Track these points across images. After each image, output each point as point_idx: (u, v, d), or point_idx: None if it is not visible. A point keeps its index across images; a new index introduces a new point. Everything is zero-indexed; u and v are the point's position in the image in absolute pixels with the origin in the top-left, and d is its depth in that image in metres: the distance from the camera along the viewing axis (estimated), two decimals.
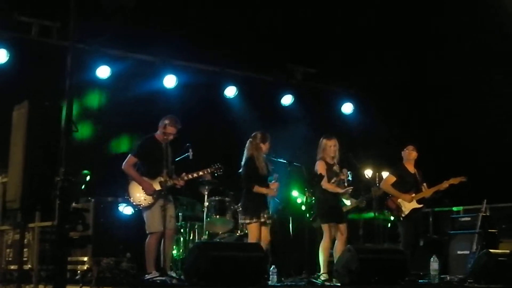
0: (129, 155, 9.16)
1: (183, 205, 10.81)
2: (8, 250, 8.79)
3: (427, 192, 10.57)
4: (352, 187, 10.08)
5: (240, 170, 9.69)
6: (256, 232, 9.46)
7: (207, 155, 10.05)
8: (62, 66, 7.36)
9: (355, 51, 12.95)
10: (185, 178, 9.25)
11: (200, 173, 9.51)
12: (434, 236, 12.51)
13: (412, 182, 10.56)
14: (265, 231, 9.55)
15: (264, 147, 9.65)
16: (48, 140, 7.18)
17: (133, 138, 11.94)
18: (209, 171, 9.59)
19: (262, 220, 9.48)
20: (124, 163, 9.12)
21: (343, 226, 9.96)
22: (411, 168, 10.67)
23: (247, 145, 9.73)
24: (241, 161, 9.68)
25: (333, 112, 13.99)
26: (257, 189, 9.55)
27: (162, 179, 9.06)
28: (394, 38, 12.94)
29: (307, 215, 10.81)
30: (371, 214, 12.30)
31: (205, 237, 10.53)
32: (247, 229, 9.71)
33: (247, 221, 9.51)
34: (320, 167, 9.99)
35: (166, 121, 9.18)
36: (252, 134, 9.75)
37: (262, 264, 8.59)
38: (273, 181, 9.74)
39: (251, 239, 9.49)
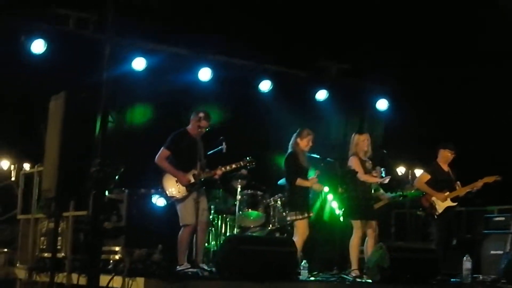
0: (162, 148, 9.22)
1: (216, 198, 10.84)
2: (42, 238, 8.87)
3: (461, 191, 10.48)
4: (390, 176, 10.00)
5: (283, 165, 9.81)
6: (305, 229, 9.58)
7: (240, 149, 10.07)
8: (98, 57, 7.43)
9: (391, 46, 12.87)
10: (221, 170, 9.29)
11: (234, 166, 9.54)
12: (467, 235, 12.40)
13: (446, 181, 10.49)
14: (307, 226, 9.62)
15: (305, 143, 9.74)
16: (84, 131, 7.25)
17: (167, 130, 11.98)
18: (242, 164, 9.62)
19: (308, 215, 9.62)
20: (157, 156, 9.19)
21: (374, 223, 9.92)
22: (445, 167, 10.59)
23: (291, 140, 9.83)
24: (276, 155, 9.75)
25: (367, 108, 13.92)
26: (300, 182, 9.63)
27: (195, 172, 9.11)
28: (430, 33, 12.84)
29: (339, 211, 10.82)
30: (403, 211, 12.30)
31: (237, 230, 10.55)
32: (293, 225, 9.73)
33: (297, 217, 9.59)
34: (354, 163, 9.98)
35: (200, 115, 9.23)
36: (297, 130, 9.86)
37: (293, 259, 8.60)
38: (311, 177, 9.80)
39: (300, 235, 9.53)
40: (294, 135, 9.86)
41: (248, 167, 9.78)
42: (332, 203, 11.81)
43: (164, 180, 9.18)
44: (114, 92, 7.27)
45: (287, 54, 12.63)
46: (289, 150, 9.85)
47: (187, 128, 9.37)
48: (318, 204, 11.52)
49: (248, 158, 9.67)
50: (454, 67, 13.29)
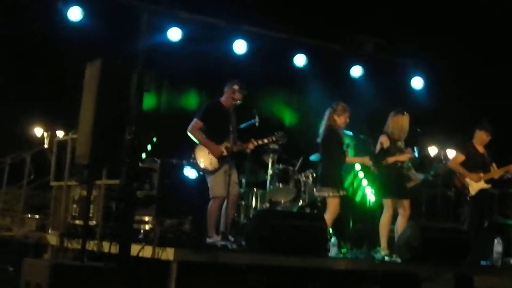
0: (195, 119, 9.18)
1: (247, 171, 10.83)
2: (74, 206, 8.92)
3: (496, 173, 10.37)
4: (411, 151, 9.85)
5: (319, 139, 9.69)
6: (337, 207, 9.49)
7: (272, 123, 10.03)
8: (135, 26, 7.40)
9: (428, 25, 12.72)
10: (253, 144, 9.26)
11: (265, 140, 9.51)
12: (499, 218, 12.28)
13: (480, 162, 10.36)
14: (339, 204, 9.56)
15: (342, 119, 9.66)
16: (119, 99, 7.24)
17: (200, 101, 11.99)
18: (273, 139, 9.59)
19: (342, 193, 9.53)
20: (189, 126, 9.16)
21: (406, 202, 9.80)
22: (480, 148, 10.47)
23: (326, 115, 9.70)
24: (308, 130, 9.68)
25: (402, 86, 13.78)
26: (349, 159, 9.73)
27: (228, 144, 9.08)
28: (468, 13, 12.65)
29: (370, 188, 10.77)
30: (434, 191, 12.21)
31: (267, 204, 10.54)
32: (324, 202, 9.69)
33: (330, 193, 9.49)
34: (383, 141, 9.83)
35: (235, 87, 9.18)
36: (333, 105, 9.70)
37: (323, 234, 8.57)
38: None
39: (331, 213, 9.44)
40: (329, 110, 9.69)
41: (280, 142, 9.74)
42: (364, 181, 11.75)
43: (196, 151, 9.15)
44: (150, 61, 7.25)
45: (323, 28, 12.52)
46: (327, 125, 9.69)
47: (221, 100, 9.32)
48: (349, 181, 11.47)
49: (279, 133, 9.63)
50: (492, 47, 13.10)
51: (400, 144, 9.87)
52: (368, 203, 11.39)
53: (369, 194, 11.68)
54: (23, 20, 11.30)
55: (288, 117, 12.35)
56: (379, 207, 10.10)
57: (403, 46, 13.26)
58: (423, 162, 10.57)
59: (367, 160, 9.89)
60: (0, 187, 11.96)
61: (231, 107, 9.25)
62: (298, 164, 10.88)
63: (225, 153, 9.02)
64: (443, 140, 12.83)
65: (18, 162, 11.80)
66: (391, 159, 9.71)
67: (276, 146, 10.45)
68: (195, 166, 9.22)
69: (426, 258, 8.82)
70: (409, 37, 12.86)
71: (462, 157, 10.45)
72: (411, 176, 10.02)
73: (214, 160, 9.03)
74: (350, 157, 9.89)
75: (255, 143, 9.36)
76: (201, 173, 9.25)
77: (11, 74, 13.59)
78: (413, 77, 13.77)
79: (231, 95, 9.21)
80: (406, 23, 12.71)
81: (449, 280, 9.16)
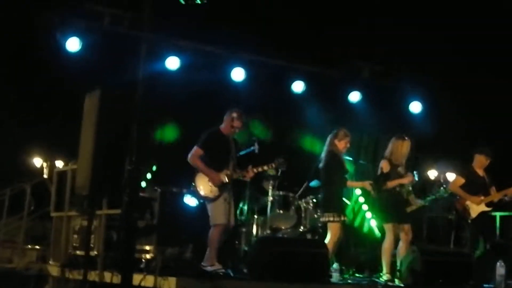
0: (195, 147, 9.19)
1: (247, 198, 10.81)
2: (75, 236, 8.91)
3: (496, 196, 10.39)
4: (411, 175, 9.87)
5: (320, 165, 9.76)
6: (338, 232, 9.54)
7: (271, 150, 10.03)
8: (133, 55, 7.42)
9: (424, 49, 12.78)
10: (252, 171, 9.27)
11: (265, 167, 9.52)
12: (501, 240, 12.26)
13: (480, 185, 10.39)
14: (340, 229, 9.60)
15: (343, 144, 9.75)
16: (119, 128, 7.25)
17: (199, 129, 11.98)
18: (273, 166, 9.59)
19: (343, 219, 9.59)
20: (190, 155, 9.16)
21: (407, 227, 9.80)
22: (480, 172, 10.49)
23: (327, 141, 9.80)
24: (308, 156, 9.70)
25: (401, 110, 13.80)
26: (350, 183, 9.80)
27: (228, 172, 9.08)
28: (463, 36, 12.72)
29: (370, 213, 10.75)
30: (435, 215, 12.20)
31: (268, 231, 10.51)
32: (326, 227, 9.70)
33: (331, 218, 9.54)
34: (384, 166, 9.87)
35: (234, 114, 9.19)
36: (334, 131, 9.83)
37: (325, 260, 8.55)
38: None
39: (332, 237, 9.49)
40: (330, 136, 9.80)
41: (280, 169, 9.75)
42: (364, 206, 11.73)
43: (196, 179, 9.14)
44: (148, 90, 7.26)
45: (320, 55, 12.57)
46: (328, 151, 9.77)
47: (220, 127, 9.34)
48: (350, 206, 11.45)
49: (279, 159, 9.63)
50: (489, 70, 13.16)
51: (400, 169, 9.88)
52: (369, 228, 11.35)
53: (370, 219, 11.65)
54: (22, 51, 11.36)
55: (287, 143, 12.33)
56: (380, 232, 10.07)
57: (400, 71, 13.31)
58: (424, 186, 10.55)
59: (367, 185, 9.92)
60: (0, 218, 11.96)
61: (230, 135, 9.26)
62: (301, 190, 10.87)
63: (225, 180, 9.01)
64: (442, 163, 12.83)
65: (18, 193, 11.81)
66: (391, 183, 9.72)
67: (275, 172, 10.46)
68: (195, 194, 9.20)
69: (429, 282, 8.80)
70: (406, 62, 12.92)
71: (462, 180, 10.46)
72: (410, 201, 10.02)
73: (215, 188, 9.02)
74: (350, 181, 9.91)
75: (255, 170, 9.36)
76: (201, 200, 9.23)
77: (10, 105, 13.64)
78: (411, 101, 13.78)
79: (230, 122, 9.22)
80: (403, 48, 12.77)
81: None
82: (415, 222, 10.46)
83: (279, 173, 10.48)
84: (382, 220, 9.99)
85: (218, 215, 8.96)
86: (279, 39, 12.00)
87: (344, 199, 9.94)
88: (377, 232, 10.79)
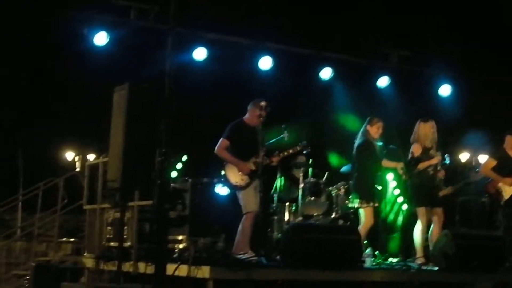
0: (221, 139, 9.25)
1: (278, 187, 10.84)
2: (108, 228, 9.00)
3: None
4: (439, 155, 9.86)
5: (354, 151, 9.89)
6: (371, 218, 9.67)
7: (300, 138, 10.04)
8: (160, 48, 7.47)
9: (453, 31, 12.69)
10: (279, 156, 9.29)
11: (290, 151, 9.53)
12: None
13: None
14: (372, 215, 9.70)
15: (375, 130, 9.87)
16: (148, 121, 7.31)
17: (227, 120, 12.02)
18: (298, 149, 9.61)
19: (376, 205, 9.72)
20: (216, 147, 9.22)
21: (439, 210, 9.80)
22: (511, 153, 10.40)
23: (362, 128, 9.96)
24: (337, 143, 9.73)
25: (430, 94, 13.72)
26: (385, 163, 9.91)
27: (255, 159, 9.12)
28: (493, 17, 12.60)
29: (402, 198, 10.73)
30: (468, 198, 12.13)
31: (299, 218, 10.54)
32: (357, 213, 9.77)
33: (364, 204, 9.67)
34: (415, 150, 9.88)
35: (257, 104, 9.23)
36: (368, 118, 9.99)
37: (357, 246, 8.55)
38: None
39: (366, 224, 9.61)
40: (365, 123, 9.95)
41: (304, 152, 9.77)
42: (395, 191, 11.70)
43: (226, 170, 9.20)
44: (176, 82, 7.30)
45: (348, 41, 12.54)
46: (362, 139, 9.88)
47: (244, 118, 9.39)
48: (382, 191, 11.44)
49: (303, 142, 9.65)
50: None
51: (432, 152, 9.86)
52: (401, 213, 11.33)
53: (402, 204, 11.62)
54: (51, 47, 11.47)
55: (317, 130, 12.33)
56: (411, 217, 10.06)
57: (428, 55, 13.22)
58: (455, 170, 10.49)
59: (400, 165, 9.94)
60: (34, 213, 12.13)
61: (256, 124, 9.27)
62: (325, 177, 10.90)
63: (253, 168, 9.05)
64: (474, 146, 12.76)
65: (51, 188, 11.97)
66: (422, 165, 9.71)
67: (303, 159, 10.51)
68: (226, 183, 9.25)
69: (462, 266, 8.76)
70: (434, 45, 12.83)
71: (493, 162, 10.37)
72: (442, 185, 9.99)
73: (245, 176, 9.07)
74: (385, 160, 9.96)
75: (280, 155, 9.39)
76: (232, 190, 9.27)
77: (41, 101, 13.80)
78: (440, 84, 13.69)
79: (254, 112, 9.26)
80: (430, 31, 12.69)
81: None
82: (447, 206, 10.42)
83: (306, 159, 10.55)
84: (414, 204, 9.97)
85: (250, 202, 9.01)
86: (306, 27, 11.98)
87: (376, 185, 9.94)
88: (409, 217, 10.74)
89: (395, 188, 11.73)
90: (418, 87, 13.56)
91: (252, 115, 9.30)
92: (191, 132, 12.02)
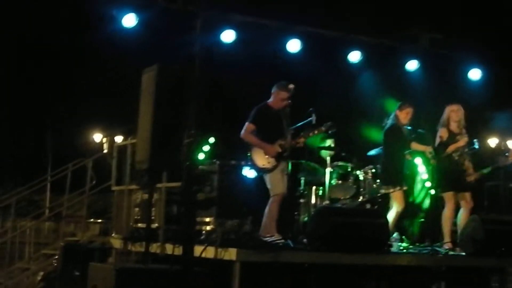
0: (247, 123, 9.24)
1: (306, 170, 10.82)
2: (136, 209, 9.05)
3: None
4: (466, 137, 9.81)
5: (383, 136, 9.95)
6: (401, 201, 9.70)
7: (329, 121, 10.00)
8: (189, 30, 7.46)
9: (483, 15, 12.55)
10: (304, 138, 9.26)
11: (316, 132, 9.48)
12: None
13: None
14: (403, 198, 9.73)
15: (404, 115, 9.87)
16: (176, 103, 7.32)
17: (255, 103, 12.01)
18: (322, 129, 9.56)
19: (405, 188, 9.74)
20: (242, 131, 9.21)
21: (468, 195, 9.76)
22: None
23: (392, 113, 9.97)
24: (365, 126, 9.71)
25: (460, 78, 13.61)
26: (414, 145, 9.93)
27: (281, 142, 9.12)
28: None
29: (431, 182, 10.66)
30: (496, 184, 12.03)
31: (327, 202, 10.52)
32: (384, 197, 9.80)
33: (392, 189, 9.72)
34: (442, 134, 9.87)
35: (280, 87, 9.22)
36: (399, 103, 10.00)
37: (385, 230, 8.53)
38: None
39: (398, 206, 9.66)
40: (396, 108, 9.97)
41: (330, 132, 9.73)
42: (424, 175, 11.64)
43: (252, 154, 9.20)
44: (205, 64, 7.30)
45: (378, 24, 12.45)
46: (390, 123, 9.89)
47: (268, 102, 9.38)
48: (411, 176, 11.39)
49: (328, 123, 9.61)
50: None
51: (459, 137, 9.80)
52: (428, 197, 11.27)
53: (429, 188, 11.56)
54: (80, 28, 11.50)
55: (345, 113, 12.27)
56: (439, 201, 10.02)
57: (459, 38, 13.10)
58: (484, 155, 10.41)
59: (429, 149, 9.92)
60: (63, 194, 12.23)
61: (281, 107, 9.26)
62: (352, 161, 10.86)
63: (279, 150, 9.05)
64: (503, 131, 12.65)
65: (80, 169, 12.05)
66: (450, 149, 9.69)
67: (332, 142, 10.49)
68: (254, 166, 9.25)
69: (490, 251, 8.71)
70: (464, 29, 12.70)
71: None
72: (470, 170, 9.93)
73: (271, 159, 9.07)
74: (414, 143, 9.93)
75: (306, 136, 9.36)
76: (261, 173, 9.27)
77: (70, 83, 13.88)
78: (470, 68, 13.58)
79: (278, 95, 9.25)
80: (460, 15, 12.56)
81: None
82: (476, 191, 10.36)
83: (334, 143, 10.53)
84: (442, 189, 9.92)
85: (277, 185, 9.00)
86: (335, 10, 11.90)
87: (403, 169, 9.92)
88: (436, 201, 10.68)
89: (423, 173, 11.67)
90: (447, 70, 13.45)
91: (276, 99, 9.28)
92: (219, 114, 12.01)
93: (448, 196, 9.71)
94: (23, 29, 11.62)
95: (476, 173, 10.07)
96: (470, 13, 12.56)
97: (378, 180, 10.21)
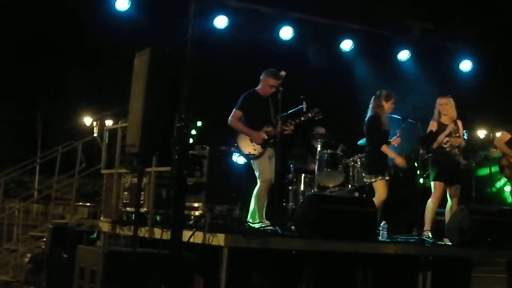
0: (234, 109, 9.28)
1: (295, 157, 10.84)
2: (125, 193, 9.03)
3: None
4: (452, 124, 9.83)
5: (364, 127, 9.88)
6: (383, 190, 9.69)
7: (319, 108, 10.02)
8: (181, 15, 7.44)
9: (475, 7, 12.57)
10: (291, 124, 9.28)
11: (302, 118, 9.52)
12: None
13: None
14: (386, 188, 9.71)
15: (388, 105, 9.79)
16: (168, 87, 7.31)
17: (246, 87, 12.01)
18: (309, 116, 9.60)
19: (387, 178, 9.68)
20: (229, 117, 9.27)
21: (456, 186, 9.81)
22: None
23: (371, 102, 9.86)
24: (356, 115, 9.71)
25: (451, 68, 13.65)
26: (385, 149, 9.75)
27: (268, 129, 9.15)
28: None
29: (420, 172, 10.69)
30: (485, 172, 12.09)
31: (315, 189, 10.55)
32: (373, 187, 9.80)
33: (373, 179, 9.71)
34: (432, 127, 9.93)
35: (267, 75, 9.25)
36: (377, 92, 9.87)
37: (373, 219, 8.56)
38: (394, 137, 9.83)
39: (380, 195, 9.66)
40: (374, 97, 9.88)
41: (317, 119, 9.76)
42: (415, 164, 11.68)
43: (238, 141, 9.27)
44: (197, 49, 7.28)
45: (370, 13, 12.45)
46: (370, 113, 9.85)
47: (256, 89, 9.40)
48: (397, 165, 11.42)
49: (315, 109, 9.64)
50: None
51: (451, 128, 9.84)
52: (419, 187, 11.32)
53: (419, 178, 11.60)
54: (71, 11, 11.46)
55: (336, 101, 12.29)
56: (428, 191, 10.07)
57: (450, 29, 13.12)
58: (473, 145, 10.45)
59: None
60: (52, 176, 12.20)
61: (269, 94, 9.28)
62: (340, 149, 10.88)
63: (266, 137, 9.09)
64: (493, 122, 12.69)
65: (69, 151, 12.02)
66: (440, 138, 9.73)
67: (322, 130, 10.52)
68: (240, 153, 9.28)
69: (477, 242, 8.76)
70: (457, 20, 12.72)
71: (508, 136, 10.36)
72: (459, 160, 9.96)
73: (257, 146, 9.12)
74: (386, 148, 9.84)
75: (293, 123, 9.37)
76: (248, 159, 9.29)
77: (60, 66, 13.82)
78: (461, 59, 13.62)
79: (265, 83, 9.28)
80: (453, 5, 12.58)
81: (501, 264, 9.10)
82: (464, 182, 10.41)
83: (325, 131, 10.55)
84: (432, 177, 9.96)
85: (264, 171, 9.08)
86: None
87: (387, 159, 9.91)
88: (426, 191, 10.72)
89: (414, 161, 11.71)
90: (439, 61, 13.49)
91: (264, 85, 9.32)
92: (209, 99, 12.00)
93: (436, 185, 9.77)
94: (13, 13, 11.60)
95: (463, 165, 10.09)
96: (463, 4, 12.57)
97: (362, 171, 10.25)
